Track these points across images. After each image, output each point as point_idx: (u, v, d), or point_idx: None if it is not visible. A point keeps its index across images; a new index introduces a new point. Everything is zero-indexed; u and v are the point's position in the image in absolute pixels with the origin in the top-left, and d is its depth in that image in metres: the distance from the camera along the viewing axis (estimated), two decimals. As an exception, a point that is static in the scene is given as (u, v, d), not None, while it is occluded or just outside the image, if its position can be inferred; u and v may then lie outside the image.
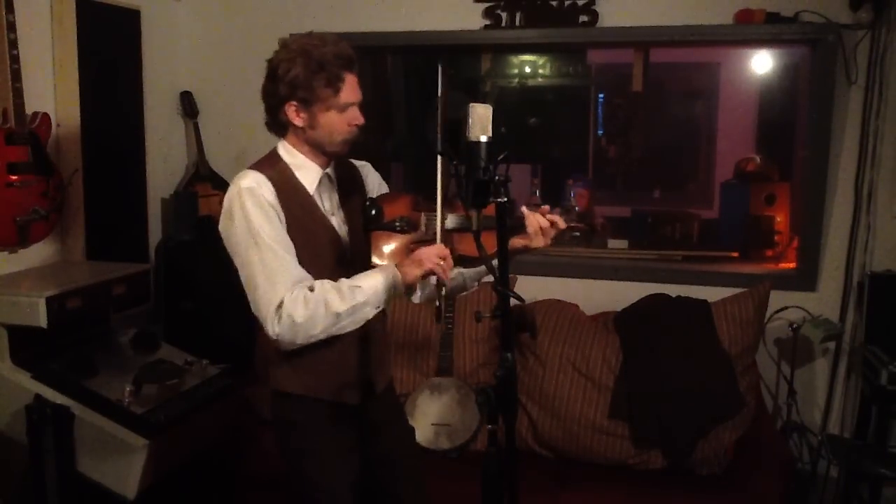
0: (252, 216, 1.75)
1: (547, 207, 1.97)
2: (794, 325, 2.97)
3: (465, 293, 2.17)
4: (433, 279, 1.86)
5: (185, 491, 2.80)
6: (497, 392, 1.54)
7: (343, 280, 1.81)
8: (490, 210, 1.57)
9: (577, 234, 2.04)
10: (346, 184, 1.99)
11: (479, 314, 1.69)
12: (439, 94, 1.89)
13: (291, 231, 1.81)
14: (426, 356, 3.02)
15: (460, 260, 1.96)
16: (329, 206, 1.93)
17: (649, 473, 2.72)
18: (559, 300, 3.10)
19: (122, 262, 2.98)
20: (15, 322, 2.51)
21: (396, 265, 1.84)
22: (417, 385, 2.97)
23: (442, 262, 1.80)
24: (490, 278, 1.62)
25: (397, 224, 1.88)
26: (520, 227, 1.92)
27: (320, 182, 1.90)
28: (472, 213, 1.58)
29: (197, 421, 2.70)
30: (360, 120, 1.86)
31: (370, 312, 1.81)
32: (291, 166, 1.87)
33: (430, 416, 2.89)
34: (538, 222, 1.90)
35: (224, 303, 3.28)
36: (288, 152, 1.88)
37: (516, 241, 1.93)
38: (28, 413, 2.41)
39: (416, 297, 1.98)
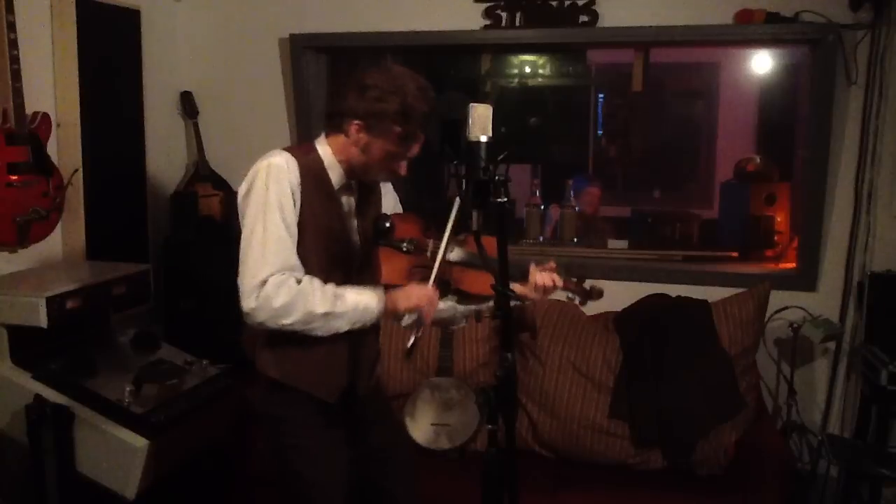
0: (271, 191, 1.77)
1: (552, 265, 2.03)
2: (794, 325, 2.97)
3: (454, 327, 2.19)
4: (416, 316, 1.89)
5: (185, 491, 2.80)
6: (497, 392, 1.54)
7: (332, 285, 1.82)
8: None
9: (571, 295, 2.10)
10: (364, 193, 2.00)
11: (479, 314, 1.70)
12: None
13: (307, 218, 1.83)
14: (426, 356, 3.02)
15: (457, 293, 1.99)
16: (347, 208, 1.95)
17: (649, 473, 2.72)
18: (559, 300, 3.08)
19: (123, 262, 2.97)
20: (15, 322, 2.50)
21: (387, 293, 1.86)
22: (417, 385, 2.97)
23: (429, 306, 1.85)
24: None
25: (405, 245, 1.92)
26: (524, 276, 1.99)
27: (342, 185, 1.92)
28: (473, 213, 1.59)
29: (197, 421, 2.70)
30: (404, 172, 1.89)
31: (343, 326, 1.83)
32: (324, 161, 1.89)
33: (430, 416, 2.89)
34: (541, 281, 1.99)
35: (224, 303, 3.27)
36: (324, 151, 1.90)
37: (515, 288, 1.94)
38: (28, 413, 2.41)
39: (405, 321, 1.99)
